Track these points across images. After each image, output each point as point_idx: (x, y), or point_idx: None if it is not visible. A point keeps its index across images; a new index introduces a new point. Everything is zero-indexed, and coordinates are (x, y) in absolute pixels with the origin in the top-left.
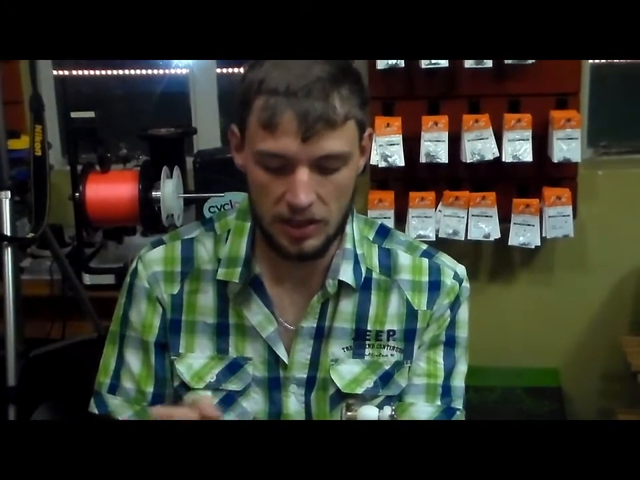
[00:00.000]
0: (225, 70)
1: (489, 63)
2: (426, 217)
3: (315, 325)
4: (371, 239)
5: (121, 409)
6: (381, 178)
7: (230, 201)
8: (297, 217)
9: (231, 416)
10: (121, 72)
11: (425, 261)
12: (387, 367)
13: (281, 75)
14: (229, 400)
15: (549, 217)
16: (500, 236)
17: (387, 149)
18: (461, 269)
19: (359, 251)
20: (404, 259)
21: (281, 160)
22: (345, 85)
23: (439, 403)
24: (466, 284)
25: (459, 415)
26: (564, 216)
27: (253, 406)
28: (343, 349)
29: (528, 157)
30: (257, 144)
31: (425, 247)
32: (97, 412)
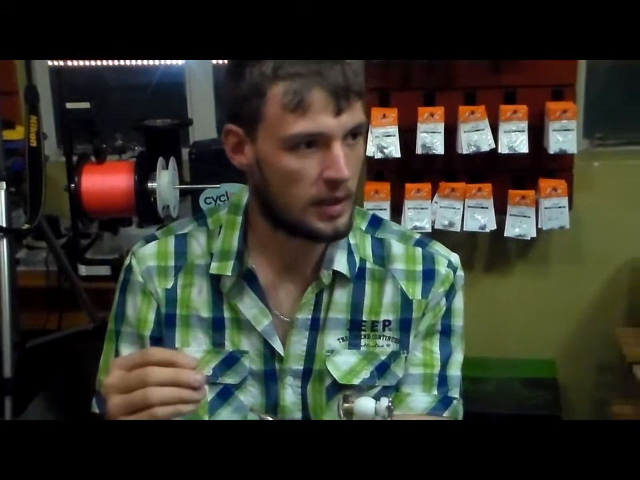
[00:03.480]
0: (220, 61)
1: None
2: (422, 208)
3: (310, 317)
4: (364, 229)
5: None
6: (377, 169)
7: (226, 192)
8: (337, 194)
9: (228, 409)
10: (116, 62)
11: (419, 250)
12: (383, 357)
13: (295, 60)
14: (225, 393)
15: (545, 208)
16: (496, 227)
17: (383, 140)
18: (455, 257)
19: (352, 241)
20: (397, 248)
21: (316, 139)
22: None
23: (435, 392)
24: (460, 272)
25: (456, 404)
26: (560, 207)
27: (250, 399)
28: (338, 339)
29: (524, 148)
30: (286, 129)
31: (417, 236)
32: (97, 411)
